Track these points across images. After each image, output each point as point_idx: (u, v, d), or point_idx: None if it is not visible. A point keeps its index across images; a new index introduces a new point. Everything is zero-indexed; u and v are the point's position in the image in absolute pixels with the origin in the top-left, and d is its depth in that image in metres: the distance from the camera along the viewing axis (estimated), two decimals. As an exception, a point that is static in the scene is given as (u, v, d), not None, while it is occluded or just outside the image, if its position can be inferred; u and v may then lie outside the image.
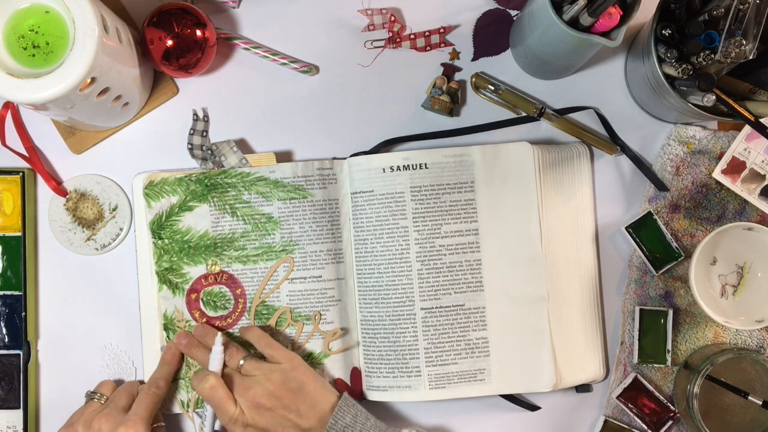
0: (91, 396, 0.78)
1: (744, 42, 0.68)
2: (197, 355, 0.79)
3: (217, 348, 0.76)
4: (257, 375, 0.75)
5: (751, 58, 0.69)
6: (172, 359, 0.80)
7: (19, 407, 0.81)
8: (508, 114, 0.84)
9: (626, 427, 0.81)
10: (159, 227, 0.81)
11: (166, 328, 0.81)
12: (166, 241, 0.81)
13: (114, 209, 0.83)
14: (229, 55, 0.84)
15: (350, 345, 0.81)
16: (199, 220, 0.81)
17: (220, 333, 0.77)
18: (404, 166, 0.80)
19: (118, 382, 0.81)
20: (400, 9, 0.84)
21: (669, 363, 0.81)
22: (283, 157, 0.83)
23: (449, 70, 0.84)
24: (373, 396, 0.81)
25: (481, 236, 0.80)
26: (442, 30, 0.84)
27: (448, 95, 0.82)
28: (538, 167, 0.80)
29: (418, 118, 0.84)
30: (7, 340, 0.81)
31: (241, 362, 0.76)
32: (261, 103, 0.84)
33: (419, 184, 0.80)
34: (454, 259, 0.80)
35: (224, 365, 0.77)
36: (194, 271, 0.81)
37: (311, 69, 0.83)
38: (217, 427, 0.79)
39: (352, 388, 0.81)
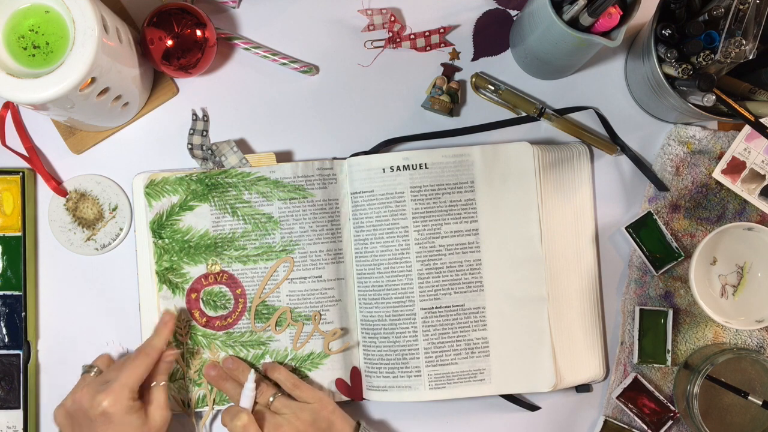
0: (87, 369, 0.78)
1: (744, 42, 0.68)
2: (227, 388, 0.79)
3: (250, 385, 0.76)
4: (287, 413, 0.76)
5: (751, 58, 0.69)
6: (165, 328, 0.79)
7: (19, 407, 0.81)
8: (508, 114, 0.84)
9: (626, 427, 0.81)
10: (159, 227, 0.81)
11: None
12: (167, 240, 0.81)
13: (114, 209, 0.83)
14: (229, 55, 0.84)
15: (350, 345, 0.81)
16: (200, 220, 0.81)
17: (252, 370, 0.77)
18: (404, 166, 0.80)
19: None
20: (400, 9, 0.84)
21: (669, 363, 0.81)
22: (283, 157, 0.83)
23: (449, 70, 0.84)
24: (373, 396, 0.81)
25: (481, 236, 0.80)
26: (442, 30, 0.84)
27: (448, 95, 0.82)
28: (538, 167, 0.80)
29: (418, 118, 0.84)
30: (7, 340, 0.81)
31: (271, 399, 0.77)
32: (261, 103, 0.84)
33: (419, 184, 0.80)
34: (454, 259, 0.80)
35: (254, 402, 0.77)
36: (194, 270, 0.81)
37: (311, 69, 0.83)
38: None
39: (352, 387, 0.81)
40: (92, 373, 0.77)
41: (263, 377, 0.80)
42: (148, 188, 0.81)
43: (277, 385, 0.79)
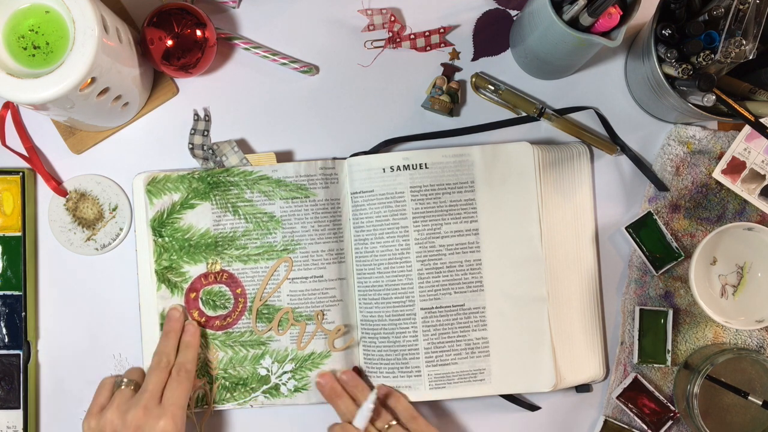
0: (119, 383, 0.76)
1: (744, 42, 0.69)
2: (340, 405, 0.77)
3: (370, 405, 0.74)
4: None
5: (751, 58, 0.69)
6: (192, 340, 0.79)
7: (19, 407, 0.81)
8: (508, 114, 0.84)
9: (626, 427, 0.81)
10: (160, 225, 0.81)
11: (162, 328, 0.81)
12: (167, 239, 0.81)
13: (114, 209, 0.83)
14: (229, 55, 0.84)
15: (353, 342, 0.81)
16: (201, 219, 0.81)
17: (375, 392, 0.75)
18: (404, 166, 0.80)
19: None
20: (400, 9, 0.84)
21: (669, 363, 0.81)
22: (284, 157, 0.83)
23: (449, 70, 0.84)
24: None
25: (481, 236, 0.80)
26: (442, 30, 0.84)
27: (448, 95, 0.82)
28: (538, 167, 0.80)
29: (418, 118, 0.84)
30: (7, 340, 0.81)
31: (386, 426, 0.75)
32: (261, 103, 0.84)
33: (419, 184, 0.80)
34: (454, 259, 0.80)
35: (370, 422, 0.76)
36: (194, 270, 0.81)
37: (311, 69, 0.83)
38: None
39: (353, 388, 0.81)
40: (130, 387, 0.76)
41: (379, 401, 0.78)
42: (150, 186, 0.81)
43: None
